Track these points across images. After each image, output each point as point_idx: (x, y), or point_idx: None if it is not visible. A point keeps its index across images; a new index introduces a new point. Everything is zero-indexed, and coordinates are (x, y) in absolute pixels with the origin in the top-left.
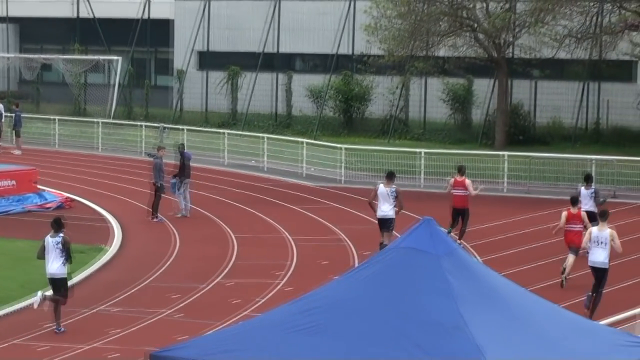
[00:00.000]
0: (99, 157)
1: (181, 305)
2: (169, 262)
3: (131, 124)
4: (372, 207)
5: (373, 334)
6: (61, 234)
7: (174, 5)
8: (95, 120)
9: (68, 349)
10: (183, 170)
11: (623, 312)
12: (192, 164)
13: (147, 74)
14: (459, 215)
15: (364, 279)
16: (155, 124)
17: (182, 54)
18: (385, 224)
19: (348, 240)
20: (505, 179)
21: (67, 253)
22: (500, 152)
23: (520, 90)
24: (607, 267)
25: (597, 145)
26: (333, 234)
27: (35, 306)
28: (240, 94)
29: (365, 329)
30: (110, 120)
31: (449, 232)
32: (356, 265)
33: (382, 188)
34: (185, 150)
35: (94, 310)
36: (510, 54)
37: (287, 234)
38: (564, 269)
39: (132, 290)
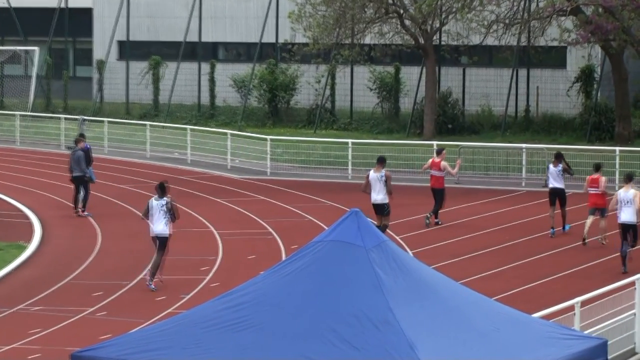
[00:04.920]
0: (18, 151)
1: (104, 303)
2: (91, 259)
3: (50, 117)
4: (368, 194)
5: (300, 329)
6: (166, 198)
7: None
8: (13, 113)
9: None
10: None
11: (559, 304)
12: (113, 157)
13: (67, 64)
14: (436, 195)
15: (291, 273)
16: (75, 117)
17: (102, 43)
18: (379, 210)
19: (276, 234)
20: None
21: (172, 214)
22: (430, 142)
23: (449, 77)
24: (635, 223)
25: (528, 133)
26: (260, 228)
27: (154, 286)
28: (163, 85)
29: (292, 324)
30: (29, 113)
31: (429, 217)
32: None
33: (372, 174)
34: (85, 144)
35: (14, 310)
36: (438, 41)
37: (213, 228)
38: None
39: (53, 289)
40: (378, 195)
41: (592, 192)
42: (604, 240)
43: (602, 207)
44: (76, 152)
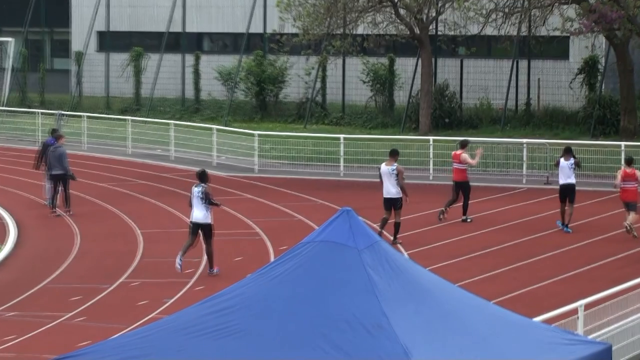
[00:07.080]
0: None
1: (83, 307)
2: (69, 261)
3: (26, 111)
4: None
5: (289, 335)
6: (203, 185)
7: None
8: None
9: None
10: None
11: (562, 307)
12: (92, 154)
13: (43, 56)
14: (459, 189)
15: (279, 276)
16: (53, 111)
17: (80, 34)
18: (389, 205)
19: (264, 234)
20: (431, 166)
21: (207, 201)
22: (426, 137)
23: (446, 69)
24: None
25: (528, 128)
26: (247, 228)
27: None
28: (145, 77)
29: (280, 330)
30: (3, 108)
31: (443, 213)
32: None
33: (384, 167)
34: (49, 138)
35: None
36: (434, 31)
37: None
38: (628, 227)
39: (29, 293)
40: (390, 189)
41: (626, 186)
42: (630, 228)
43: (634, 201)
44: (57, 149)
